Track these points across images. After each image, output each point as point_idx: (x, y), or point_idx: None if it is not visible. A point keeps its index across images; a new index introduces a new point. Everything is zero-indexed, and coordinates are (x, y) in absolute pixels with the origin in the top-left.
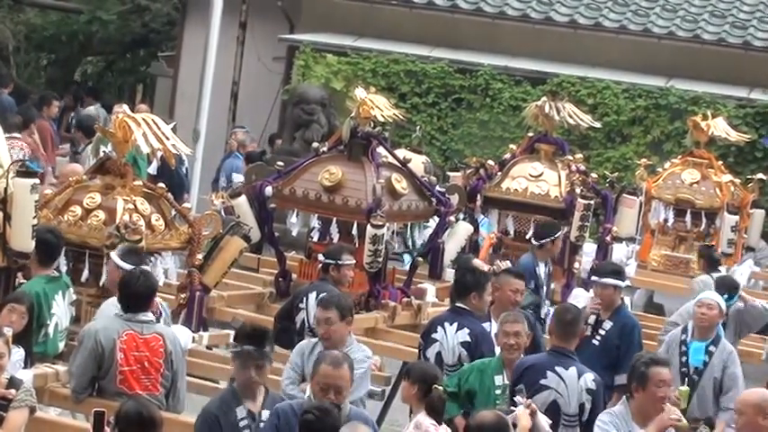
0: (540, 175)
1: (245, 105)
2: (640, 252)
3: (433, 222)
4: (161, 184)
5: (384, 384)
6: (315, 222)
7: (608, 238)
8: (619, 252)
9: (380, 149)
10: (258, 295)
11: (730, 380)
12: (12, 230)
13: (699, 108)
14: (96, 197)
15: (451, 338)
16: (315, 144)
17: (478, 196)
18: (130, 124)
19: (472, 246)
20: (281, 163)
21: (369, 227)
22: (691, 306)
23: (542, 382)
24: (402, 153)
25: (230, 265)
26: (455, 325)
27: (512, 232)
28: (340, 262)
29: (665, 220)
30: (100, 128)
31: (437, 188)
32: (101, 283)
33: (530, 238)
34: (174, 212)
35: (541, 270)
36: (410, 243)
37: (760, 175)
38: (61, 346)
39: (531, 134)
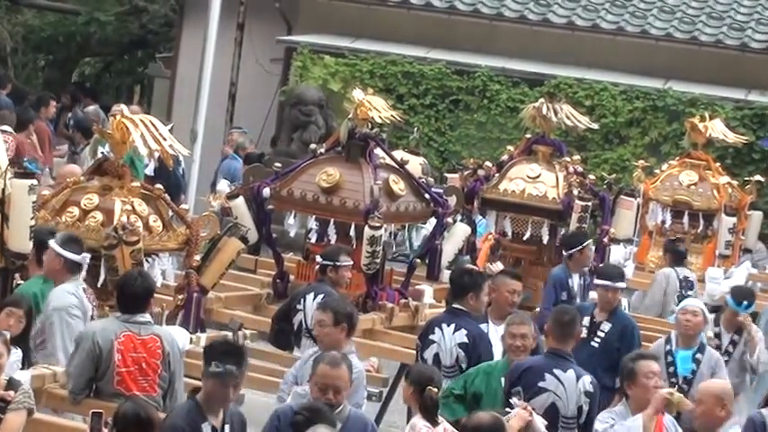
0: (538, 177)
1: (243, 107)
2: (638, 254)
3: (431, 224)
4: (158, 186)
5: (381, 386)
6: (312, 224)
7: (606, 240)
8: (616, 254)
9: (378, 151)
10: (256, 296)
11: None
12: (9, 231)
13: (696, 110)
14: (94, 198)
15: (449, 340)
16: (312, 145)
17: (476, 198)
18: (128, 125)
19: (470, 247)
20: (278, 164)
21: (366, 228)
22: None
23: (541, 384)
24: (400, 154)
25: (228, 266)
26: (452, 326)
27: (509, 234)
28: (338, 263)
29: (663, 222)
30: (98, 129)
31: (434, 189)
32: (99, 284)
33: (562, 249)
34: (171, 214)
35: (575, 282)
36: (408, 244)
37: (758, 177)
38: None
39: (528, 136)
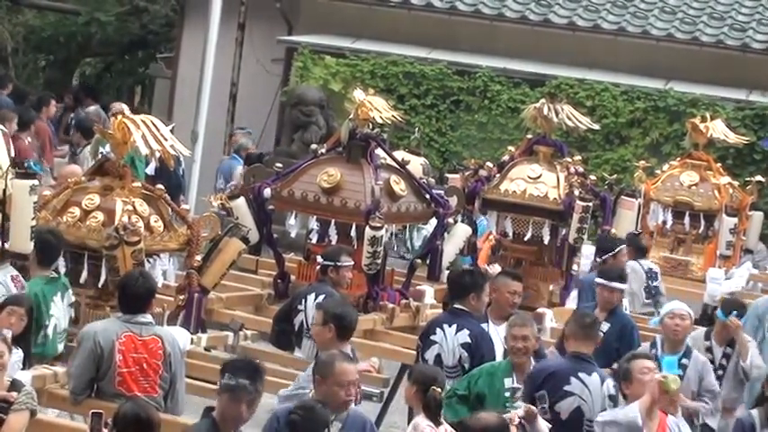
0: (539, 177)
1: (244, 107)
2: None
3: (431, 225)
4: (159, 186)
5: (382, 386)
6: (313, 224)
7: None
8: None
9: (379, 151)
10: (257, 297)
11: (707, 391)
12: (10, 231)
13: (697, 110)
14: (95, 198)
15: (451, 340)
16: (313, 146)
17: (477, 198)
18: (129, 126)
19: (471, 248)
20: (279, 165)
21: (367, 228)
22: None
23: (566, 388)
24: (400, 155)
25: (229, 266)
26: (454, 326)
27: (510, 234)
28: (338, 263)
29: (664, 222)
30: (99, 129)
31: (435, 190)
32: (100, 285)
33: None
34: (172, 214)
35: None
36: (409, 245)
37: (758, 178)
38: (60, 347)
39: (529, 136)
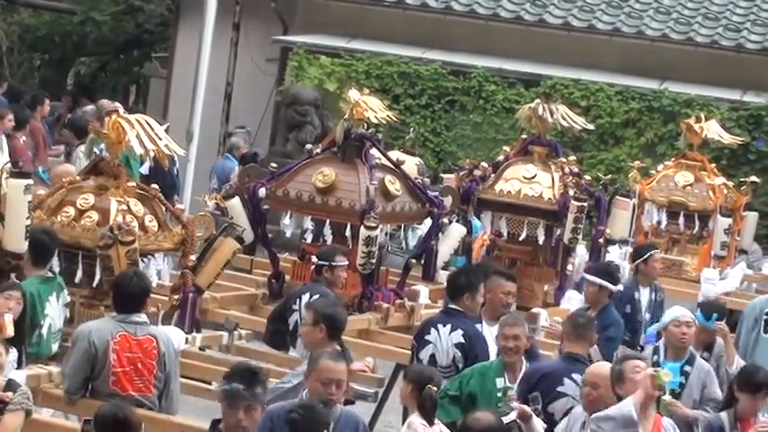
0: (534, 177)
1: (239, 107)
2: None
3: (426, 224)
4: (154, 185)
5: (377, 386)
6: (308, 224)
7: (601, 241)
8: (612, 254)
9: (374, 151)
10: (251, 296)
11: (710, 399)
12: (5, 231)
13: (692, 110)
14: (89, 198)
15: (445, 340)
16: (308, 145)
17: (472, 198)
18: (124, 125)
19: (465, 248)
20: (274, 164)
21: (362, 228)
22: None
23: (559, 389)
24: (395, 155)
25: (223, 266)
26: (448, 326)
27: (505, 234)
28: (333, 263)
29: (659, 223)
30: (93, 128)
31: (430, 190)
32: (94, 284)
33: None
34: (167, 213)
35: (643, 295)
36: (404, 245)
37: (753, 178)
38: (55, 347)
39: (524, 136)
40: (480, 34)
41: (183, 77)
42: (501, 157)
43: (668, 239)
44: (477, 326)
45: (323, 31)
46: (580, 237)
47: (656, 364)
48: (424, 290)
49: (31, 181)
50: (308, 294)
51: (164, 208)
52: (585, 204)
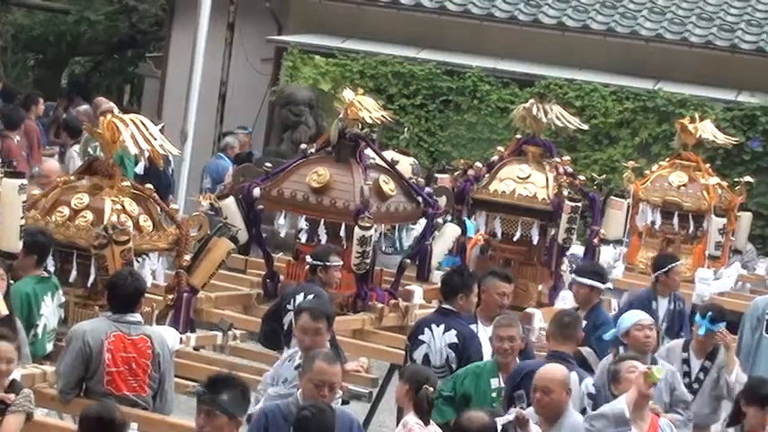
0: (528, 177)
1: (233, 106)
2: (628, 254)
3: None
4: (149, 185)
5: (371, 386)
6: (303, 224)
7: (595, 241)
8: (606, 254)
9: (368, 151)
10: (246, 296)
11: (681, 401)
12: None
13: (686, 111)
14: (84, 198)
15: (439, 340)
16: (303, 145)
17: (466, 198)
18: (118, 125)
19: (459, 248)
20: (269, 164)
21: (356, 228)
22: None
23: None
24: (390, 155)
25: (218, 266)
26: (442, 326)
27: (499, 234)
28: (328, 263)
29: (653, 223)
30: (88, 128)
31: (425, 190)
32: (89, 284)
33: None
34: (161, 213)
35: (661, 305)
36: (398, 244)
37: (747, 178)
38: (49, 346)
39: (518, 136)
40: (475, 34)
41: (178, 77)
42: (495, 158)
43: (662, 239)
44: (472, 326)
45: (317, 30)
46: (574, 237)
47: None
48: (418, 290)
49: (25, 181)
50: (302, 294)
51: (158, 208)
52: (580, 204)
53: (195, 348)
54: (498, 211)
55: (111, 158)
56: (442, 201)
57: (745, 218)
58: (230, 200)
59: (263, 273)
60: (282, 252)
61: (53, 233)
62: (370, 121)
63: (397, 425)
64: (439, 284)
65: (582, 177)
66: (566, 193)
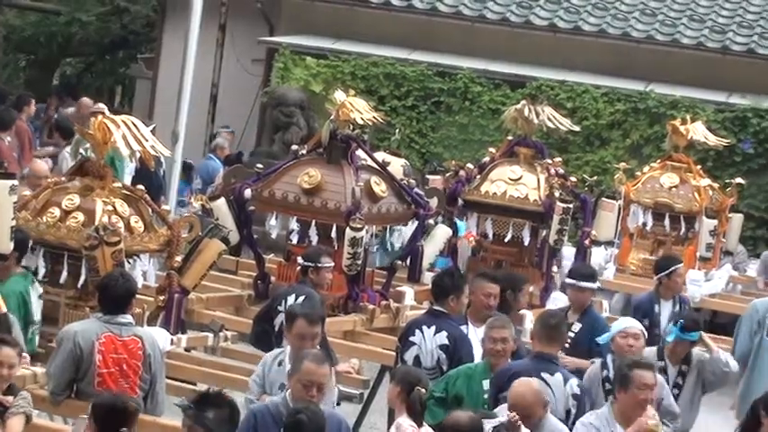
0: (519, 179)
1: (225, 107)
2: (619, 256)
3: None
4: (140, 186)
5: (362, 387)
6: (294, 225)
7: (587, 242)
8: (597, 256)
9: (360, 152)
10: (237, 297)
11: (668, 413)
12: None
13: (678, 112)
14: (75, 199)
15: (430, 341)
16: (294, 147)
17: (457, 199)
18: (110, 126)
19: (451, 249)
20: (260, 165)
21: (348, 229)
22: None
23: None
24: (381, 156)
25: (209, 267)
26: (433, 328)
27: (490, 235)
28: (319, 264)
29: (644, 224)
30: (79, 129)
31: (416, 191)
32: (80, 285)
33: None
34: (153, 214)
35: (665, 308)
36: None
37: (738, 180)
38: (36, 341)
39: (510, 137)
40: (466, 35)
41: (169, 78)
42: (486, 159)
43: (653, 241)
44: (463, 327)
45: (309, 31)
46: (566, 239)
47: (606, 380)
48: (409, 291)
49: (16, 182)
50: (293, 295)
51: (150, 209)
52: (571, 206)
53: (186, 350)
54: (489, 212)
55: (102, 159)
56: (434, 202)
57: (736, 219)
58: (221, 201)
59: (255, 274)
60: (273, 253)
61: (44, 234)
62: (361, 122)
63: (389, 426)
64: (430, 286)
65: (573, 179)
66: (557, 194)
